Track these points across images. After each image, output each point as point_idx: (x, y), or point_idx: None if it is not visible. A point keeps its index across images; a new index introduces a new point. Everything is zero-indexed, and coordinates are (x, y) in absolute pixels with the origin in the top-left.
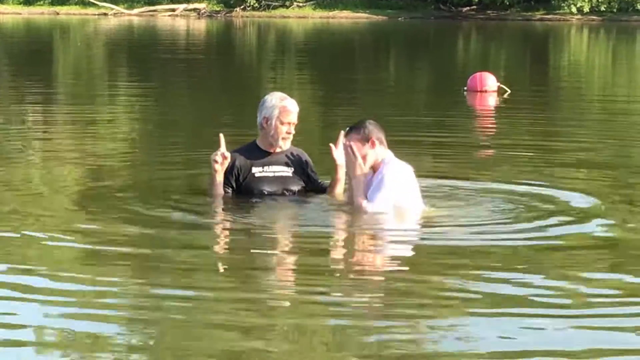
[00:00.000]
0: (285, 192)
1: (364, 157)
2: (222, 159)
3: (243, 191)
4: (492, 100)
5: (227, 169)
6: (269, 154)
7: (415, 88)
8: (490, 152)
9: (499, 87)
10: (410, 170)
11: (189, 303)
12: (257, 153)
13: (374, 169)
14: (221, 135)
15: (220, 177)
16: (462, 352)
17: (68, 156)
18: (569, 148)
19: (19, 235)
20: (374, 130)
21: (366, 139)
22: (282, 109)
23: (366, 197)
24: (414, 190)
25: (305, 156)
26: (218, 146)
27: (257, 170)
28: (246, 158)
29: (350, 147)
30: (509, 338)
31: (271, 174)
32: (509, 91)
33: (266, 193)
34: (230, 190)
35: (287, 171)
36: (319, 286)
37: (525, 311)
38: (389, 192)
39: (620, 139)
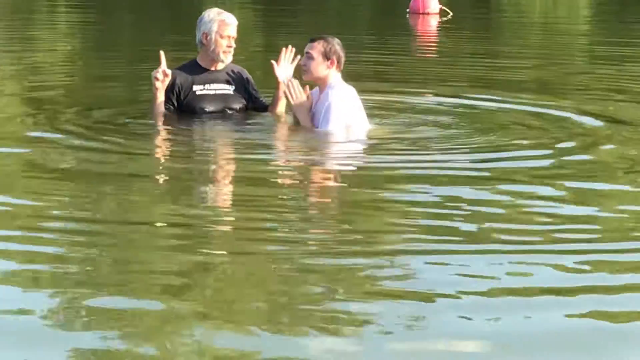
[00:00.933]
0: (226, 110)
1: (315, 70)
2: (163, 76)
3: (184, 109)
4: (434, 22)
5: (168, 87)
6: (209, 71)
7: (358, 9)
8: (434, 69)
9: (441, 9)
10: (354, 92)
11: (124, 228)
12: (198, 71)
13: (321, 88)
14: (161, 52)
15: (161, 95)
16: (409, 288)
17: (6, 70)
18: (511, 66)
19: None
20: (338, 50)
21: (327, 56)
22: (221, 23)
23: (312, 122)
24: (359, 111)
25: (246, 74)
26: (159, 63)
27: (198, 88)
28: (187, 75)
29: (291, 82)
30: (448, 268)
31: (212, 92)
32: (451, 13)
33: (207, 111)
34: (171, 108)
35: (229, 89)
36: (260, 217)
37: (475, 244)
38: (337, 117)
39: (560, 57)
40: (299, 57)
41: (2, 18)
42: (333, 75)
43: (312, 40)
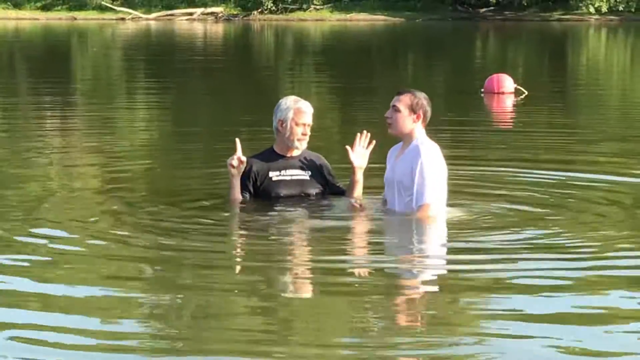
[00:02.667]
0: (303, 195)
1: (401, 124)
2: (238, 162)
3: (261, 195)
4: (509, 102)
5: (244, 173)
6: (285, 157)
7: (433, 89)
8: (511, 143)
9: (516, 88)
10: (439, 151)
11: (204, 308)
12: (274, 157)
13: (406, 142)
14: (237, 139)
15: (237, 181)
16: None
17: (86, 158)
18: (588, 148)
19: (34, 240)
20: (425, 104)
21: (413, 110)
22: (297, 111)
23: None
24: (444, 175)
25: (322, 160)
26: (234, 151)
27: (274, 175)
28: (263, 163)
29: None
30: None
31: (288, 178)
32: (526, 93)
33: (283, 196)
34: (248, 195)
35: (304, 174)
36: (340, 311)
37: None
38: (432, 178)
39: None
40: (374, 142)
41: (80, 104)
42: (418, 130)
43: (399, 93)
